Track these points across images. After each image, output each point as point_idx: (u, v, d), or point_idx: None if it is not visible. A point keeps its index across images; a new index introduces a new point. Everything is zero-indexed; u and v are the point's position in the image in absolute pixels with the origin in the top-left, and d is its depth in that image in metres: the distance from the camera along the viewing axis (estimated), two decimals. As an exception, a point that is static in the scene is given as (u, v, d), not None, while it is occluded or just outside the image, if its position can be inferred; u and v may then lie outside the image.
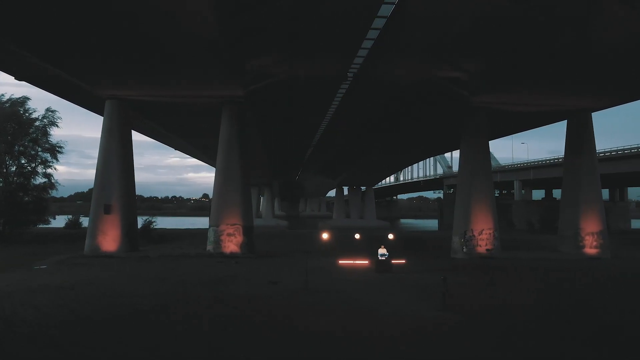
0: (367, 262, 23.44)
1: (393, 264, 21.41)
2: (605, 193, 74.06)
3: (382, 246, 21.97)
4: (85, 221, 47.58)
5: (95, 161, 27.19)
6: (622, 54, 19.68)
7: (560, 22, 18.26)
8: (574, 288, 17.93)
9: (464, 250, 27.84)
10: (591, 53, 19.82)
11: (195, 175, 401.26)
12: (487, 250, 25.79)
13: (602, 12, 17.02)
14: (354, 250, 28.16)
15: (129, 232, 26.74)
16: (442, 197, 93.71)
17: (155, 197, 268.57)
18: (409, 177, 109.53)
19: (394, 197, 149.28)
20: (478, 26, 20.33)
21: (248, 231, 26.84)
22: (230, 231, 26.46)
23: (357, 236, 28.96)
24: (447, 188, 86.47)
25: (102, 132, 27.22)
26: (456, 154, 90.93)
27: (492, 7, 18.69)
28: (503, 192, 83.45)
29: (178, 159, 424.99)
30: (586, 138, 29.60)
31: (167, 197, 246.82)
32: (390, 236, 28.04)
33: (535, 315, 12.92)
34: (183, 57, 21.06)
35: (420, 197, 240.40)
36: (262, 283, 18.01)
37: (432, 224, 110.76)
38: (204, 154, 54.02)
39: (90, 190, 27.91)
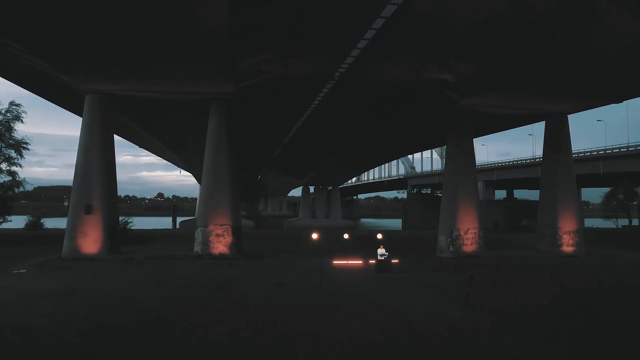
0: (361, 262, 23.45)
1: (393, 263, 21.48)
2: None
3: (382, 246, 22.01)
4: (47, 222, 45.42)
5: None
6: (611, 60, 20.47)
7: (560, 28, 18.81)
8: (577, 285, 18.38)
9: (451, 249, 28.30)
10: (583, 59, 20.51)
11: (149, 174, 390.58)
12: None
13: (601, 20, 17.67)
14: (341, 250, 28.04)
15: (112, 234, 25.49)
16: (406, 197, 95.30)
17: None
18: (372, 177, 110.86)
19: (355, 197, 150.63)
20: (477, 29, 20.67)
21: (237, 232, 26.21)
22: (219, 232, 25.75)
23: (345, 236, 28.82)
24: (411, 188, 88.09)
25: (82, 128, 25.84)
26: (418, 155, 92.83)
27: (494, 11, 19.06)
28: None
29: (130, 157, 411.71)
30: (563, 139, 30.77)
31: (120, 197, 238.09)
32: (379, 236, 28.09)
33: (561, 314, 13.19)
34: (181, 51, 20.24)
35: (378, 197, 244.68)
36: (270, 285, 17.57)
37: (393, 223, 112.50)
38: (177, 154, 52.43)
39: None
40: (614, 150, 49.06)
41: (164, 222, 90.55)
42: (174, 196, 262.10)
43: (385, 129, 40.04)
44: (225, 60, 21.40)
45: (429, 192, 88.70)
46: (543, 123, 32.38)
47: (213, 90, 25.89)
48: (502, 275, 20.27)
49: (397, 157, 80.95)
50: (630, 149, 47.74)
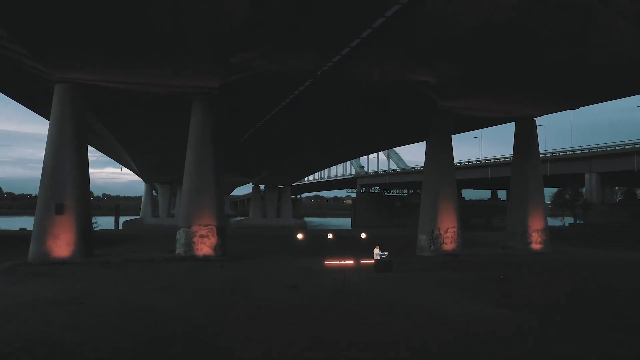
0: (352, 262, 23.25)
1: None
2: (503, 194, 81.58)
3: (377, 246, 21.96)
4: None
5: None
6: (604, 66, 21.55)
7: (559, 34, 19.56)
8: (576, 283, 18.94)
9: (432, 248, 28.76)
10: (575, 65, 21.49)
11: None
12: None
13: (598, 27, 18.56)
14: (325, 250, 27.62)
15: (85, 236, 23.57)
16: (353, 196, 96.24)
17: (28, 194, 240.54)
18: (317, 177, 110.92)
19: (298, 196, 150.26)
20: (478, 32, 21.05)
21: (222, 232, 25.13)
22: (203, 232, 24.56)
23: (329, 236, 28.43)
24: (360, 187, 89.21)
25: (51, 121, 23.69)
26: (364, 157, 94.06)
27: (499, 15, 19.47)
28: (417, 191, 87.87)
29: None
30: (532, 141, 32.26)
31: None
32: (363, 235, 28.01)
33: (588, 311, 13.63)
34: (180, 42, 19.05)
35: (317, 196, 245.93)
36: (281, 287, 16.89)
37: (340, 222, 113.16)
38: (129, 151, 49.54)
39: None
40: (560, 154, 52.36)
41: (102, 222, 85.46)
42: (104, 194, 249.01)
43: (357, 128, 40.06)
44: (222, 54, 20.47)
45: (377, 191, 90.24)
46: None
47: (197, 84, 24.69)
48: (496, 272, 20.81)
49: (360, 156, 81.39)
50: (575, 152, 51.19)
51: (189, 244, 24.42)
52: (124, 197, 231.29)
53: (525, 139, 32.28)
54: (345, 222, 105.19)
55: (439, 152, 29.68)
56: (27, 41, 19.16)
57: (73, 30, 18.27)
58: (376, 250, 21.74)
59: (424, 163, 32.05)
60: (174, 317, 12.23)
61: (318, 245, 31.18)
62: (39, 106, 32.96)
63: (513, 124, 34.29)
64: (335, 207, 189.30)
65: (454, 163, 31.08)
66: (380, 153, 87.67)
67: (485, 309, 13.57)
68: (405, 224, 78.45)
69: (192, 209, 24.77)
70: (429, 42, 22.24)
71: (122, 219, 79.09)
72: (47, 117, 36.15)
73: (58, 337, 10.26)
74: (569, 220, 50.62)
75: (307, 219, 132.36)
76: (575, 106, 33.03)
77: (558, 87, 26.14)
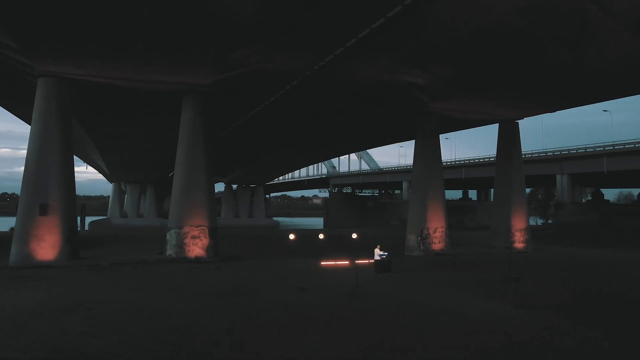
0: (347, 262, 23.19)
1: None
2: (473, 194, 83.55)
3: (379, 246, 21.92)
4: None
5: None
6: (597, 71, 22.18)
7: (557, 39, 20.01)
8: (575, 281, 19.44)
9: (421, 247, 28.98)
10: (570, 70, 22.03)
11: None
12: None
13: (596, 35, 19.10)
14: (314, 250, 27.42)
15: (71, 237, 22.52)
16: (325, 196, 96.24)
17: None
18: (289, 176, 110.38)
19: (267, 195, 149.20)
20: (476, 35, 21.27)
21: (213, 233, 24.54)
22: (195, 233, 23.92)
23: (320, 236, 28.33)
24: (333, 187, 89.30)
25: (34, 117, 22.47)
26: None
27: (501, 19, 19.72)
28: (388, 191, 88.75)
29: (8, 149, 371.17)
30: (514, 143, 33.03)
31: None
32: (354, 235, 28.01)
33: (600, 309, 13.97)
34: (180, 36, 18.40)
35: (285, 196, 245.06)
36: (287, 289, 16.55)
37: (311, 222, 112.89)
38: (102, 150, 47.77)
39: None
40: (533, 155, 53.96)
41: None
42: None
43: (343, 127, 39.94)
44: (222, 51, 19.93)
45: (349, 191, 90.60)
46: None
47: (189, 81, 24.03)
48: (497, 272, 21.12)
49: (342, 155, 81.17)
50: (548, 154, 52.87)
51: (181, 245, 23.72)
52: (85, 196, 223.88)
53: (509, 140, 33.02)
54: (315, 222, 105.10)
55: (428, 152, 29.96)
56: (14, 31, 18.07)
57: (62, 19, 17.35)
58: (377, 251, 21.67)
59: (409, 163, 32.37)
60: (196, 323, 11.72)
61: (305, 245, 31.05)
62: (12, 103, 31.39)
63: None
64: (303, 207, 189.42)
65: (442, 163, 31.44)
66: (352, 153, 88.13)
67: (503, 308, 13.66)
68: (378, 223, 79.11)
69: (183, 209, 24.07)
70: (423, 44, 22.30)
71: (87, 219, 76.35)
72: (19, 114, 34.57)
73: (84, 347, 9.66)
74: (540, 220, 52.19)
75: (276, 219, 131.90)
76: (554, 109, 34.05)
77: (548, 90, 26.79)
